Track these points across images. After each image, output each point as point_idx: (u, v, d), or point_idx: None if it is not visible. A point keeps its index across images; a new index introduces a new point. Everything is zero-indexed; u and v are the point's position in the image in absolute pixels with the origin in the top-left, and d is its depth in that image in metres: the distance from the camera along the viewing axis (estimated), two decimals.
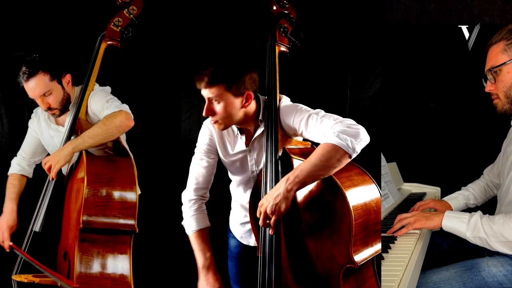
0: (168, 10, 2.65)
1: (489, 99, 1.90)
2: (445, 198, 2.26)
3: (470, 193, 2.24)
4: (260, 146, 1.83)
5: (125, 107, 2.02)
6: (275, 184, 1.62)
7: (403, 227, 1.91)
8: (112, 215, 1.88)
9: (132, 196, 1.93)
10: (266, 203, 1.57)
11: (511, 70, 1.78)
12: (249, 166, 1.88)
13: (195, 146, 1.97)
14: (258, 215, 1.60)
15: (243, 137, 1.86)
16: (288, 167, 1.66)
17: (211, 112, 1.73)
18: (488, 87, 1.86)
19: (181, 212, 1.97)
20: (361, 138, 1.58)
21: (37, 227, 2.01)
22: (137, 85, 2.66)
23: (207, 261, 1.85)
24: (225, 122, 1.76)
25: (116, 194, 1.91)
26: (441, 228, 1.83)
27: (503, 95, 1.82)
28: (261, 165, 1.82)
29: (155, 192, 2.44)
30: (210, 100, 1.71)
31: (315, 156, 1.55)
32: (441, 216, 1.82)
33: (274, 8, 1.95)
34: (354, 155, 1.58)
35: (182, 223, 1.94)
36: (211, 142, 1.90)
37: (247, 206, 1.84)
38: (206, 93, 1.71)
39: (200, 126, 1.96)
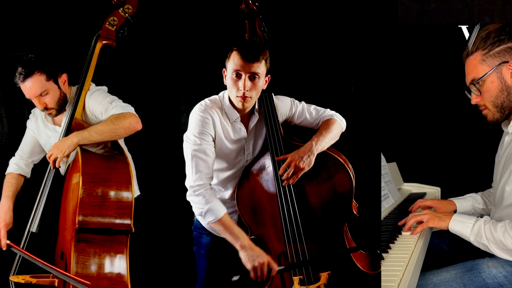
0: (166, 9, 2.64)
1: None
2: (453, 198, 2.25)
3: (479, 196, 2.23)
4: (255, 135, 1.99)
5: (131, 109, 2.03)
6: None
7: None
8: (108, 215, 1.87)
9: (128, 195, 1.91)
10: (297, 158, 1.85)
11: (495, 79, 1.78)
12: (245, 155, 1.98)
13: None
14: (288, 167, 1.85)
15: (242, 125, 1.95)
16: (289, 148, 1.91)
17: (250, 87, 1.83)
18: (474, 99, 1.86)
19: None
20: (344, 121, 2.07)
21: (34, 228, 2.01)
22: (135, 85, 2.65)
23: (246, 240, 1.83)
24: (254, 99, 1.89)
25: (112, 193, 1.90)
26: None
27: (491, 105, 1.83)
28: (255, 154, 2.00)
29: (154, 192, 2.43)
30: (251, 75, 1.82)
31: (331, 129, 1.98)
32: (451, 218, 1.83)
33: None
34: None
35: (201, 213, 1.85)
36: (213, 126, 1.90)
37: (229, 200, 1.99)
38: (252, 67, 1.81)
39: None
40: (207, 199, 1.84)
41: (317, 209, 1.89)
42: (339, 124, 2.02)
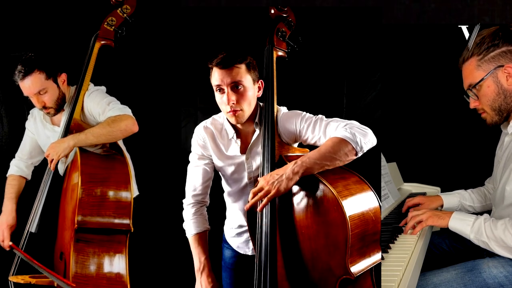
0: (164, 9, 2.64)
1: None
2: (441, 194, 2.27)
3: (467, 193, 2.24)
4: (258, 153, 1.80)
5: (128, 110, 2.02)
6: None
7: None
8: (107, 215, 1.87)
9: (127, 195, 1.91)
10: (269, 178, 1.56)
11: (491, 84, 1.80)
12: (246, 173, 1.85)
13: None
14: (256, 189, 1.57)
15: (239, 141, 1.83)
16: None
17: (235, 99, 1.69)
18: (473, 103, 1.87)
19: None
20: (369, 139, 1.63)
21: (33, 228, 2.00)
22: (134, 85, 2.65)
23: (201, 264, 1.84)
24: (246, 110, 1.73)
25: (111, 193, 1.90)
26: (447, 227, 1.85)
27: (489, 109, 1.84)
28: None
29: (153, 193, 2.43)
30: (233, 85, 1.69)
31: (325, 146, 1.59)
32: (450, 216, 1.84)
33: (272, 11, 1.90)
34: (360, 154, 1.61)
35: (183, 226, 1.93)
36: (204, 147, 1.87)
37: (244, 215, 1.86)
38: (230, 76, 1.68)
39: None
40: (185, 216, 1.91)
41: (305, 257, 1.57)
42: (342, 142, 1.58)
